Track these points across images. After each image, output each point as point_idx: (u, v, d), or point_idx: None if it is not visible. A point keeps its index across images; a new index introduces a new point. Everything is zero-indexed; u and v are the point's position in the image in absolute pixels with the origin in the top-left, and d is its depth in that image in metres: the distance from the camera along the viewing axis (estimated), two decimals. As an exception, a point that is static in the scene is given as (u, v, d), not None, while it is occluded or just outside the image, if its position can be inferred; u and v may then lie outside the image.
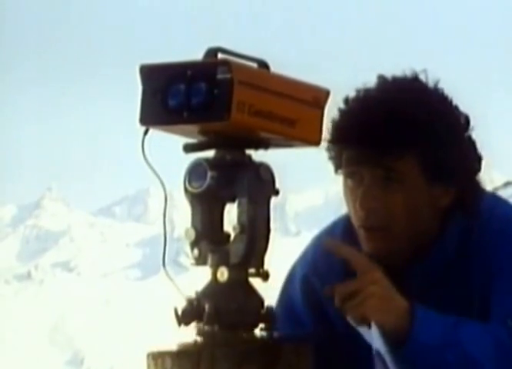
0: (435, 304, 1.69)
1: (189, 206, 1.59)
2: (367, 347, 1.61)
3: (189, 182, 1.57)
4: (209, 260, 1.57)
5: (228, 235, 1.58)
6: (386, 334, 1.58)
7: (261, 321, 1.57)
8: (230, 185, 1.56)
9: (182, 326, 1.56)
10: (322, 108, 1.60)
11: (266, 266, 1.58)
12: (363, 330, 1.61)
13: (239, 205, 1.56)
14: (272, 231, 1.58)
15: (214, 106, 1.51)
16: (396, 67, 1.73)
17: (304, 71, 1.61)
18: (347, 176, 1.70)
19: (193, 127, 1.56)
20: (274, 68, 1.59)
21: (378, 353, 1.59)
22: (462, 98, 1.74)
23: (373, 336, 1.59)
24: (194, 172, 1.56)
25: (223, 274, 1.55)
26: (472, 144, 1.72)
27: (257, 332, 1.59)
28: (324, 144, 1.69)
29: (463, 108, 1.74)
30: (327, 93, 1.61)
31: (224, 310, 1.54)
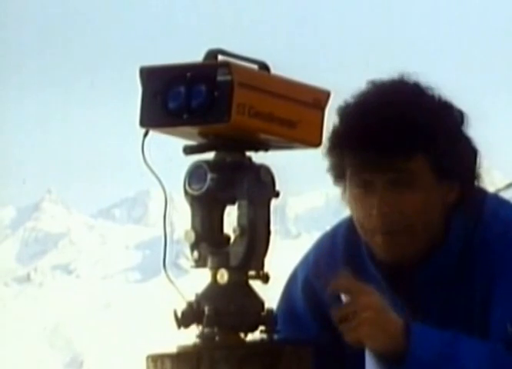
0: (439, 306, 1.69)
1: (189, 208, 1.59)
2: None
3: (189, 184, 1.57)
4: (209, 263, 1.57)
5: (228, 237, 1.58)
6: (382, 358, 1.59)
7: (262, 324, 1.57)
8: (230, 187, 1.56)
9: (182, 328, 1.56)
10: (323, 110, 1.60)
11: (266, 268, 1.57)
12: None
13: (239, 207, 1.56)
14: (272, 233, 1.58)
15: (215, 108, 1.51)
16: (396, 68, 1.73)
17: (304, 73, 1.61)
18: (356, 184, 1.70)
19: (193, 130, 1.56)
20: (275, 70, 1.59)
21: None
22: (463, 99, 1.75)
23: (367, 360, 1.60)
24: (194, 174, 1.56)
25: (223, 276, 1.55)
26: (468, 139, 1.74)
27: (258, 335, 1.59)
28: (323, 149, 1.69)
29: (464, 109, 1.74)
30: (327, 94, 1.61)
31: (223, 312, 1.54)
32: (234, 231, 1.56)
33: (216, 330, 1.54)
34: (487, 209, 1.73)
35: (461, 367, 1.59)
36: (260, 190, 1.56)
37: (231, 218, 1.58)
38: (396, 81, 1.72)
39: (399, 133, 1.66)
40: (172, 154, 1.63)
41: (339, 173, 1.71)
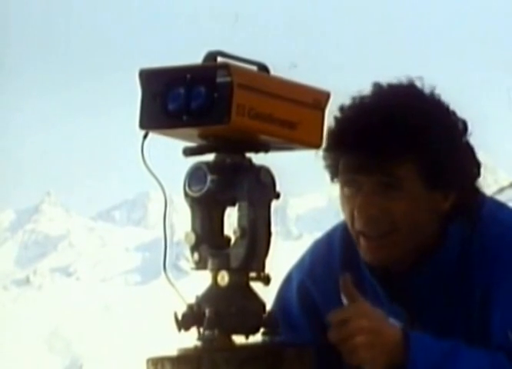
0: (437, 312, 1.69)
1: (189, 210, 1.58)
2: None
3: (189, 186, 1.56)
4: (209, 265, 1.57)
5: (229, 239, 1.57)
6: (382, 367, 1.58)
7: (263, 326, 1.56)
8: (230, 189, 1.55)
9: (182, 331, 1.55)
10: (323, 111, 1.60)
11: (267, 270, 1.57)
12: None
13: (239, 209, 1.55)
14: (273, 234, 1.58)
15: (214, 110, 1.51)
16: (396, 69, 1.73)
17: (304, 74, 1.61)
18: (344, 184, 1.70)
19: (193, 131, 1.55)
20: (274, 71, 1.58)
21: None
22: (465, 99, 1.73)
23: None
24: (194, 176, 1.56)
25: (223, 278, 1.54)
26: (470, 149, 1.72)
27: (259, 337, 1.58)
28: (321, 151, 1.68)
29: (466, 109, 1.73)
30: (327, 95, 1.60)
31: (224, 314, 1.53)
32: (235, 232, 1.55)
33: (217, 332, 1.54)
34: (484, 213, 1.72)
35: None
36: (260, 191, 1.56)
37: (232, 220, 1.57)
38: (397, 85, 1.71)
39: (388, 137, 1.65)
40: (172, 156, 1.63)
41: (333, 172, 1.71)
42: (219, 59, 1.55)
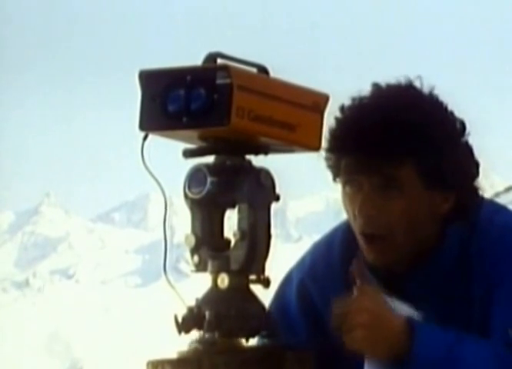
0: (437, 312, 1.68)
1: (189, 212, 1.58)
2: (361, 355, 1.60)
3: (189, 188, 1.56)
4: (209, 267, 1.56)
5: (229, 241, 1.57)
6: (383, 360, 1.57)
7: (263, 328, 1.56)
8: (230, 191, 1.55)
9: (182, 333, 1.55)
10: (322, 113, 1.60)
11: (267, 272, 1.57)
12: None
13: (239, 211, 1.55)
14: (273, 236, 1.57)
15: (214, 111, 1.51)
16: (395, 71, 1.72)
17: (303, 76, 1.60)
18: (345, 184, 1.70)
19: (192, 133, 1.55)
20: (274, 73, 1.58)
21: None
22: (460, 103, 1.73)
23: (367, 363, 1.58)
24: (194, 178, 1.56)
25: (223, 280, 1.54)
26: (469, 149, 1.72)
27: (259, 339, 1.58)
28: (322, 152, 1.68)
29: (462, 112, 1.73)
30: (326, 98, 1.60)
31: (224, 317, 1.53)
32: (235, 234, 1.55)
33: (217, 335, 1.53)
34: (483, 216, 1.71)
35: (466, 367, 1.57)
36: (260, 193, 1.55)
37: (232, 222, 1.57)
38: (396, 85, 1.70)
39: (388, 138, 1.64)
40: (172, 158, 1.63)
41: (335, 172, 1.71)
42: (219, 61, 1.55)
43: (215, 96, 1.50)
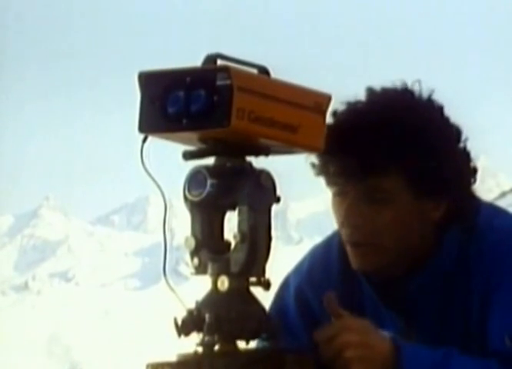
0: (434, 318, 1.67)
1: (189, 214, 1.57)
2: None
3: (189, 190, 1.55)
4: (209, 269, 1.55)
5: (229, 244, 1.56)
6: None
7: (263, 331, 1.55)
8: (230, 193, 1.54)
9: (182, 336, 1.54)
10: (324, 114, 1.58)
11: (267, 275, 1.56)
12: None
13: (239, 213, 1.54)
14: (274, 239, 1.56)
15: (214, 113, 1.50)
16: (397, 71, 1.72)
17: (305, 77, 1.59)
18: (333, 192, 1.69)
19: (192, 135, 1.54)
20: (275, 74, 1.57)
21: None
22: (466, 103, 1.72)
23: None
24: (194, 180, 1.55)
25: (223, 283, 1.53)
26: (465, 155, 1.70)
27: (259, 342, 1.57)
28: (313, 158, 1.66)
29: (468, 114, 1.72)
30: (328, 98, 1.59)
31: (224, 319, 1.52)
32: (235, 237, 1.54)
33: (217, 337, 1.52)
34: (481, 219, 1.70)
35: None
36: (260, 195, 1.54)
37: (232, 224, 1.56)
38: (391, 90, 1.69)
39: (374, 146, 1.63)
40: (171, 160, 1.62)
41: (326, 179, 1.70)
42: (219, 62, 1.54)
43: (215, 97, 1.49)
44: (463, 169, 1.69)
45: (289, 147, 1.57)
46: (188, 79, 1.51)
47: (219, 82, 1.49)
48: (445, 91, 1.72)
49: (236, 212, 1.55)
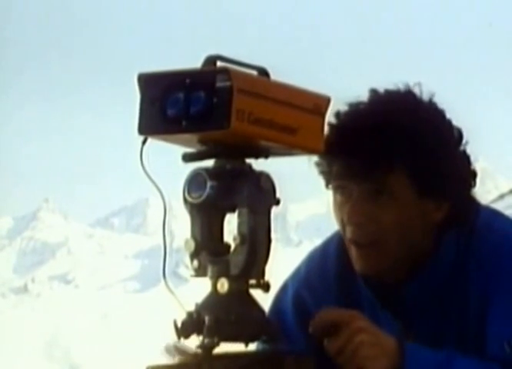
0: (432, 321, 1.67)
1: (188, 216, 1.57)
2: None
3: (188, 192, 1.55)
4: (209, 272, 1.55)
5: (228, 246, 1.56)
6: None
7: (263, 333, 1.55)
8: (230, 195, 1.54)
9: (182, 339, 1.54)
10: (323, 116, 1.58)
11: (267, 277, 1.56)
12: None
13: (239, 215, 1.54)
14: (273, 241, 1.56)
15: (214, 115, 1.49)
16: (397, 73, 1.72)
17: (304, 79, 1.59)
18: (335, 190, 1.69)
19: (192, 137, 1.54)
20: (274, 76, 1.57)
21: None
22: (464, 105, 1.72)
23: None
24: (194, 182, 1.54)
25: (223, 285, 1.53)
26: (466, 158, 1.70)
27: (259, 344, 1.57)
28: (314, 158, 1.67)
29: (467, 116, 1.72)
30: (328, 100, 1.59)
31: (224, 322, 1.52)
32: (235, 239, 1.54)
33: (216, 340, 1.52)
34: (480, 223, 1.70)
35: None
36: (260, 197, 1.54)
37: (231, 226, 1.56)
38: (394, 91, 1.69)
39: (379, 145, 1.63)
40: (171, 162, 1.61)
41: (327, 179, 1.70)
42: (218, 63, 1.54)
43: (215, 99, 1.49)
44: (464, 171, 1.70)
45: (288, 149, 1.57)
46: (188, 81, 1.51)
47: (219, 84, 1.49)
48: (444, 92, 1.72)
49: (236, 214, 1.55)
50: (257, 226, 1.53)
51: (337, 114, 1.67)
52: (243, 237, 1.53)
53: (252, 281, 1.54)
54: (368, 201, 1.65)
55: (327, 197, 1.72)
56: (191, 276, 1.58)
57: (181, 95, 1.51)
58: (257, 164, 1.57)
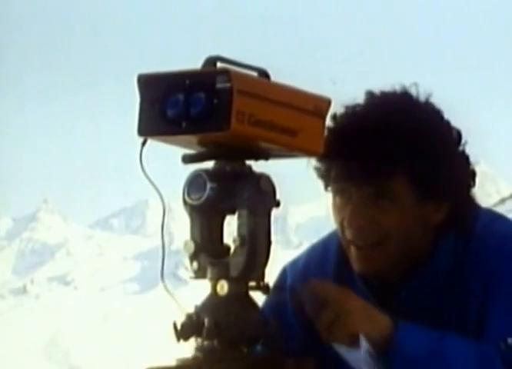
0: (430, 322, 1.67)
1: (188, 218, 1.56)
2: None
3: (188, 194, 1.54)
4: (209, 274, 1.55)
5: (228, 248, 1.55)
6: (374, 345, 1.56)
7: (262, 335, 1.54)
8: (230, 197, 1.54)
9: (181, 341, 1.53)
10: (323, 118, 1.58)
11: (267, 279, 1.55)
12: (350, 354, 1.58)
13: (239, 217, 1.54)
14: (273, 243, 1.56)
15: (214, 116, 1.49)
16: (398, 74, 1.71)
17: (304, 80, 1.59)
18: (335, 193, 1.68)
19: (192, 138, 1.53)
20: (275, 77, 1.57)
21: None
22: (466, 108, 1.72)
23: (362, 351, 1.56)
24: (194, 184, 1.54)
25: (223, 287, 1.53)
26: (465, 159, 1.70)
27: (258, 346, 1.56)
28: (312, 160, 1.66)
29: (467, 118, 1.71)
30: (328, 102, 1.59)
31: (223, 324, 1.52)
32: (234, 241, 1.54)
33: (216, 342, 1.52)
34: (480, 224, 1.70)
35: (449, 364, 1.56)
36: (260, 199, 1.54)
37: (231, 228, 1.56)
38: (390, 93, 1.69)
39: (379, 148, 1.63)
40: (171, 163, 1.61)
41: (326, 181, 1.70)
42: (219, 64, 1.53)
43: (215, 100, 1.48)
44: (463, 172, 1.69)
45: (289, 150, 1.57)
46: (188, 82, 1.50)
47: (219, 85, 1.49)
48: (445, 95, 1.72)
49: (236, 216, 1.55)
50: (257, 228, 1.53)
51: (334, 117, 1.67)
52: (243, 239, 1.53)
53: (252, 283, 1.54)
54: (368, 204, 1.65)
55: (327, 199, 1.72)
56: (191, 278, 1.57)
57: (180, 96, 1.50)
58: (258, 166, 1.57)
